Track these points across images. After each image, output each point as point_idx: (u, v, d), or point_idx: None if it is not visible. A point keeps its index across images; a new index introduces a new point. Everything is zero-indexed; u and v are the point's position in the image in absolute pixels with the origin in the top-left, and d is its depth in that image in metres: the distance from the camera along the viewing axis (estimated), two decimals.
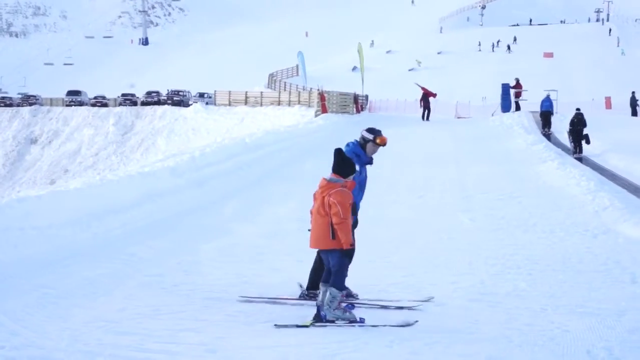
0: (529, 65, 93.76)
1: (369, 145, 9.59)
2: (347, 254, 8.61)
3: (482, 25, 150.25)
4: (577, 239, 14.03)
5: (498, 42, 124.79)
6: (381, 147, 9.64)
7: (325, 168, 24.96)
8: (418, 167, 24.68)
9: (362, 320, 8.55)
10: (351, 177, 8.86)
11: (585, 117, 31.05)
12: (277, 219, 16.23)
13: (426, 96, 48.01)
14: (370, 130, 9.71)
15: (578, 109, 31.73)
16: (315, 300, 8.87)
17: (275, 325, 8.41)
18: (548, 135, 37.48)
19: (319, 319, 8.49)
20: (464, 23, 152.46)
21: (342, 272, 8.59)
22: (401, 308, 9.10)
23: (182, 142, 55.00)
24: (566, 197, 18.58)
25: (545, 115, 39.49)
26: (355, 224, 9.09)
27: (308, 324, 8.44)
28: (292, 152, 28.24)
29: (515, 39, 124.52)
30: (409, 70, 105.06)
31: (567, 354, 7.63)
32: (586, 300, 9.83)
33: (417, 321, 8.63)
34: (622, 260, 12.27)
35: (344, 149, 9.26)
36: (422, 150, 29.80)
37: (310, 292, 9.56)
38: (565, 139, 32.90)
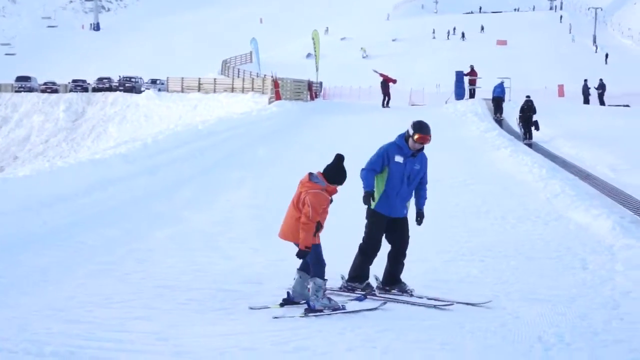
0: (483, 53, 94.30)
1: (411, 141, 9.53)
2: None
3: (436, 12, 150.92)
4: (529, 225, 14.14)
5: (454, 29, 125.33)
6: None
7: (278, 155, 25.08)
8: (371, 153, 24.67)
9: (343, 307, 8.64)
10: (337, 185, 8.78)
11: (538, 104, 31.49)
12: (230, 207, 16.14)
13: (385, 82, 47.97)
14: (414, 126, 9.60)
15: (528, 96, 32.25)
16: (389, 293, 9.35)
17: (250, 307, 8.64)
18: (500, 121, 38.07)
19: (309, 309, 8.51)
20: (418, 10, 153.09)
21: (320, 263, 8.64)
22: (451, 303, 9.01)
23: (134, 129, 54.47)
24: (518, 184, 18.73)
25: (497, 101, 40.36)
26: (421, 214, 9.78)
27: (277, 306, 8.67)
28: (245, 139, 28.09)
29: (482, 28, 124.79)
30: (363, 57, 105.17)
31: (519, 340, 7.67)
32: (537, 287, 9.90)
33: (385, 302, 8.86)
34: (573, 246, 12.39)
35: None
36: (377, 138, 29.71)
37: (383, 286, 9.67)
38: (515, 124, 33.29)
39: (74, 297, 8.83)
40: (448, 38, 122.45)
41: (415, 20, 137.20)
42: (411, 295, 9.32)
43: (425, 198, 9.87)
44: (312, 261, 8.62)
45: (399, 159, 9.46)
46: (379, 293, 9.45)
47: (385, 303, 8.91)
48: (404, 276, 9.68)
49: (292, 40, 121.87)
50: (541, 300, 9.18)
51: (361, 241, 9.70)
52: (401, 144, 9.57)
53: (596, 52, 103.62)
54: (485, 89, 46.82)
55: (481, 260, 11.35)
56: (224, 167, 21.84)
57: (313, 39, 57.28)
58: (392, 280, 9.59)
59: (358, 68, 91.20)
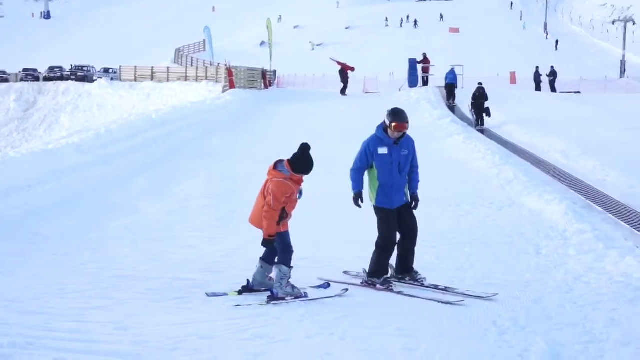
0: (436, 41, 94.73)
1: (389, 130, 9.32)
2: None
3: (389, 0, 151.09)
4: (483, 212, 14.28)
5: (408, 17, 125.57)
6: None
7: (232, 144, 25.02)
8: (326, 142, 24.69)
9: (305, 295, 8.68)
10: (301, 175, 8.75)
11: (490, 91, 31.94)
12: (185, 196, 16.10)
13: (344, 70, 48.06)
14: (390, 114, 9.37)
15: (480, 84, 32.82)
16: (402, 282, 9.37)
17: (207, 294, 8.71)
18: (452, 107, 38.60)
19: (272, 297, 8.55)
20: None
21: (287, 250, 8.69)
22: (467, 296, 8.84)
23: (87, 119, 53.92)
24: (472, 171, 18.91)
25: (450, 88, 41.26)
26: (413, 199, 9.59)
27: (235, 294, 8.73)
28: (199, 128, 28.01)
29: (442, 17, 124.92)
30: (317, 45, 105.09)
31: (474, 325, 7.77)
32: (492, 272, 10.02)
33: (347, 289, 8.95)
34: (526, 232, 12.56)
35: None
36: (330, 126, 29.82)
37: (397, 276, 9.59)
38: (467, 110, 33.65)
39: (29, 288, 8.76)
40: (401, 26, 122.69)
41: (368, 9, 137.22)
42: (422, 285, 9.26)
43: (418, 181, 9.67)
44: (279, 248, 8.67)
45: (382, 150, 9.32)
46: (395, 281, 9.45)
47: (347, 290, 8.95)
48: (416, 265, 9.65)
49: (246, 28, 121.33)
50: (496, 285, 9.29)
51: (377, 238, 9.56)
52: (381, 134, 9.40)
53: (547, 39, 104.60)
54: (438, 77, 47.10)
55: (435, 247, 11.42)
56: (179, 157, 21.77)
57: (267, 27, 57.15)
58: (405, 269, 9.50)
59: (312, 56, 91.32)
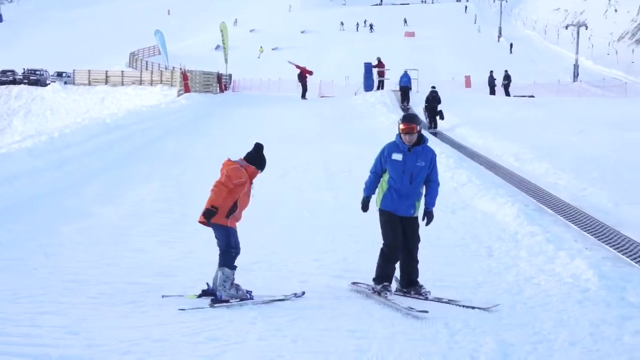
0: (391, 45, 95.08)
1: (402, 134, 9.22)
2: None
3: (344, 4, 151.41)
4: (436, 214, 14.26)
5: (365, 21, 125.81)
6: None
7: (187, 148, 24.92)
8: (281, 145, 24.71)
9: (251, 297, 8.70)
10: (257, 171, 8.94)
11: (445, 95, 32.33)
12: (139, 200, 16.04)
13: (302, 74, 48.20)
14: (401, 118, 9.41)
15: (433, 87, 33.38)
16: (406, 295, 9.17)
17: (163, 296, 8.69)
18: (407, 110, 38.90)
19: (216, 300, 8.58)
20: (326, 2, 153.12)
21: (229, 251, 8.69)
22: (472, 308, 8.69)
23: (40, 123, 53.44)
24: None
25: (404, 91, 41.88)
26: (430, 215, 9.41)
27: (194, 296, 8.72)
28: (154, 132, 27.89)
29: (405, 21, 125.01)
30: (273, 49, 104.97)
31: (426, 326, 7.88)
32: (445, 275, 10.15)
33: (303, 292, 8.95)
34: (479, 234, 12.72)
35: None
36: (286, 129, 29.88)
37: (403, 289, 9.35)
38: (421, 113, 33.95)
39: None
40: (357, 30, 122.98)
41: (324, 12, 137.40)
42: (426, 299, 9.02)
43: (435, 197, 9.39)
44: (222, 249, 8.68)
45: (396, 156, 9.14)
46: (396, 294, 9.22)
47: (303, 294, 8.95)
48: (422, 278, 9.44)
49: (201, 32, 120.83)
50: (448, 287, 9.42)
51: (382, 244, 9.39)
52: (397, 141, 9.25)
53: (498, 41, 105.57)
54: (394, 81, 47.35)
55: None
56: (133, 161, 21.66)
57: (221, 30, 57.04)
58: (408, 282, 9.29)
59: (268, 60, 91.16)
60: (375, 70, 50.18)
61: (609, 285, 9.40)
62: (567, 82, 62.77)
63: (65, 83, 62.46)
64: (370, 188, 9.42)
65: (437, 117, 31.87)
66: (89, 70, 60.82)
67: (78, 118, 43.11)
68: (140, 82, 56.62)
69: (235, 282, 8.75)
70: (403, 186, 9.12)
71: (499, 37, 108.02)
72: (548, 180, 18.55)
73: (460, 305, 8.71)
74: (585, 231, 13.02)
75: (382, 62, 50.39)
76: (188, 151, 23.69)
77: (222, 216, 8.61)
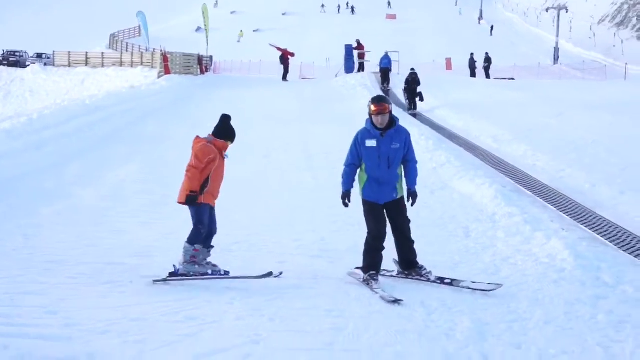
0: (373, 27, 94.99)
1: (373, 117, 8.87)
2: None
3: None
4: None
5: (347, 3, 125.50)
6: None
7: (167, 130, 24.87)
8: (262, 127, 24.77)
9: (226, 273, 8.80)
10: (226, 143, 8.97)
11: (426, 78, 32.49)
12: (119, 182, 16.06)
13: (284, 56, 48.20)
14: (370, 101, 9.01)
15: (412, 69, 33.63)
16: (409, 278, 9.11)
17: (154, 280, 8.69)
18: (387, 91, 39.21)
19: (173, 274, 8.71)
20: None
21: (197, 227, 8.77)
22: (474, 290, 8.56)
23: (20, 105, 53.07)
24: None
25: (384, 72, 42.33)
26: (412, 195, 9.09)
27: (163, 278, 8.73)
28: (134, 114, 27.85)
29: (389, 4, 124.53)
30: (254, 31, 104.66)
31: (402, 306, 7.94)
32: (423, 254, 10.15)
33: (281, 273, 8.96)
34: (457, 215, 12.82)
35: None
36: (266, 111, 29.90)
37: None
38: (401, 95, 34.13)
39: None
40: (339, 12, 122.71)
41: None
42: (428, 280, 8.91)
43: (415, 176, 9.07)
44: (193, 223, 8.79)
45: (370, 142, 8.81)
46: (398, 276, 9.19)
47: (280, 274, 8.98)
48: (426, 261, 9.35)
49: (182, 14, 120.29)
50: (426, 266, 9.48)
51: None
52: (368, 126, 8.90)
53: (479, 23, 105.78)
54: (374, 63, 47.39)
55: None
56: (113, 143, 21.63)
57: (203, 12, 56.86)
58: (408, 264, 9.10)
59: (249, 42, 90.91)
60: (355, 53, 50.26)
61: (585, 265, 9.50)
62: (548, 65, 63.09)
63: (45, 64, 62.05)
64: (348, 181, 9.12)
65: (417, 99, 32.05)
66: (69, 52, 60.43)
67: (58, 99, 42.85)
68: (121, 64, 56.35)
69: (212, 261, 8.85)
70: (381, 172, 8.83)
71: (479, 19, 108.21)
72: (527, 162, 18.71)
73: (463, 287, 8.63)
74: (562, 212, 13.17)
75: (361, 44, 50.53)
76: (168, 133, 23.67)
77: (201, 196, 8.72)
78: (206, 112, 29.13)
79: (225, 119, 9.10)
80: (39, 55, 69.63)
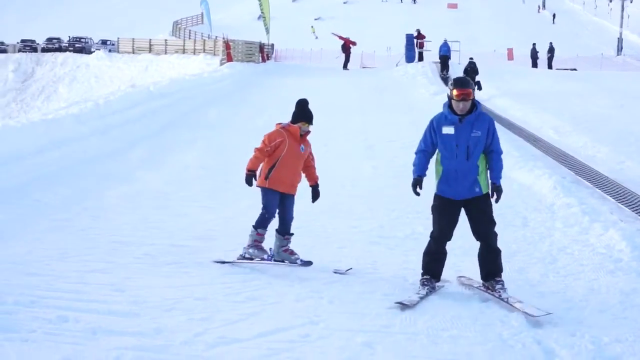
0: (434, 16, 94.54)
1: (453, 102, 7.91)
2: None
3: None
4: None
5: None
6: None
7: (229, 116, 25.17)
8: (322, 115, 24.74)
9: (269, 258, 8.93)
10: (302, 124, 9.02)
11: (487, 67, 32.55)
12: (182, 167, 16.38)
13: (346, 45, 48.44)
14: (452, 83, 8.05)
15: (471, 58, 34.06)
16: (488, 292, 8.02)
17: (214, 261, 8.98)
18: (446, 78, 39.43)
19: (240, 257, 8.96)
20: None
21: (262, 213, 8.94)
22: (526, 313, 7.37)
23: (85, 90, 54.00)
24: None
25: (443, 60, 42.92)
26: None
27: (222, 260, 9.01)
28: (197, 101, 28.22)
29: None
30: (315, 19, 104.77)
31: (460, 295, 8.08)
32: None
33: (350, 268, 8.92)
34: (515, 205, 12.84)
35: None
36: (327, 99, 30.01)
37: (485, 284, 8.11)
38: None
39: (31, 252, 9.02)
40: (400, 1, 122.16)
41: None
42: (499, 297, 7.80)
43: (500, 169, 8.15)
44: (262, 208, 8.98)
45: (447, 129, 7.86)
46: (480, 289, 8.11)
47: (349, 270, 8.92)
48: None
49: (243, 1, 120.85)
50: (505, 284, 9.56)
51: None
52: (445, 111, 7.95)
53: (539, 12, 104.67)
54: (434, 52, 47.30)
55: (427, 218, 11.54)
56: (176, 128, 22.01)
57: (260, 2, 57.15)
58: (485, 275, 8.05)
59: (310, 30, 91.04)
60: (416, 42, 50.31)
61: None
62: (611, 56, 62.23)
63: (110, 51, 63.03)
64: (419, 168, 8.17)
65: (475, 88, 32.05)
66: (133, 39, 61.29)
67: (122, 86, 43.58)
68: (184, 51, 56.99)
69: (290, 247, 9.05)
70: (459, 164, 7.83)
71: (539, 7, 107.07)
72: (587, 153, 18.63)
73: (515, 306, 7.54)
74: (621, 203, 13.12)
75: (421, 34, 50.52)
76: (230, 119, 23.99)
77: (261, 178, 8.91)
78: (267, 99, 29.48)
79: (299, 103, 9.18)
80: (104, 42, 70.69)
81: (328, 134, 20.96)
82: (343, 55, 48.68)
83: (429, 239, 8.21)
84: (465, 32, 74.21)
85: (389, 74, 42.77)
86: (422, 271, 8.18)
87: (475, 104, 7.97)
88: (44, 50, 67.80)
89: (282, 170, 8.88)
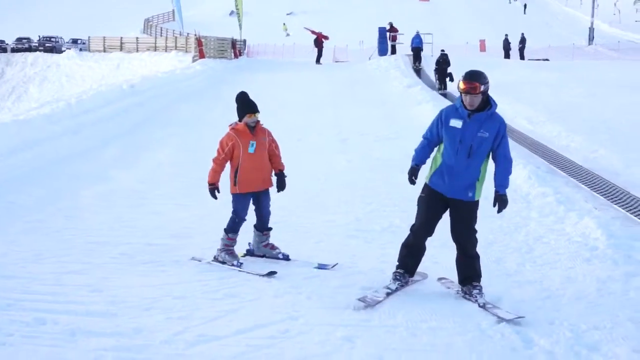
0: (406, 10, 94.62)
1: (462, 95, 7.49)
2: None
3: None
4: None
5: None
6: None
7: (202, 113, 25.04)
8: (296, 110, 24.94)
9: (238, 264, 8.78)
10: (248, 117, 8.79)
11: (459, 59, 32.81)
12: (155, 164, 16.33)
13: (318, 40, 48.46)
14: (463, 76, 7.56)
15: (443, 50, 34.60)
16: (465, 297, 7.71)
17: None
18: (418, 70, 39.96)
19: (214, 259, 8.90)
20: None
21: (232, 217, 8.89)
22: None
23: (56, 90, 53.62)
24: None
25: (416, 52, 43.57)
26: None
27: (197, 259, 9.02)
28: (169, 98, 28.08)
29: None
30: (287, 14, 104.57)
31: (436, 282, 8.10)
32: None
33: (336, 264, 8.89)
34: (490, 195, 12.49)
35: None
36: (300, 94, 30.04)
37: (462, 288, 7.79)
38: (432, 75, 34.55)
39: (6, 254, 8.97)
40: None
41: None
42: (476, 302, 7.46)
43: (506, 177, 7.73)
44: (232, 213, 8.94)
45: (455, 122, 7.44)
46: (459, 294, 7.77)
47: (334, 265, 8.87)
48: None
49: None
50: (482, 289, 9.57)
51: None
52: (458, 104, 7.51)
53: (510, 3, 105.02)
54: (407, 45, 47.38)
55: (404, 210, 11.57)
56: (149, 126, 21.91)
57: None
58: (462, 279, 7.77)
59: (282, 28, 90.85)
60: (388, 35, 50.36)
61: (617, 243, 9.56)
62: (582, 46, 62.56)
63: (81, 50, 62.57)
64: (420, 156, 7.81)
65: (447, 79, 32.39)
66: (104, 37, 60.92)
67: (94, 85, 43.31)
68: (155, 49, 56.70)
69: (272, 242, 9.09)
70: (458, 161, 7.44)
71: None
72: (560, 142, 18.73)
73: (491, 312, 7.23)
74: (595, 192, 13.21)
75: (394, 27, 50.60)
76: (203, 116, 23.90)
77: (231, 185, 8.86)
78: None
79: (237, 98, 8.98)
80: (74, 41, 70.09)
81: (301, 128, 20.99)
82: (316, 50, 48.71)
83: (409, 232, 7.90)
84: (437, 25, 74.31)
85: (362, 67, 42.76)
86: (397, 263, 7.93)
87: (490, 103, 7.53)
88: (13, 50, 67.26)
89: (246, 170, 8.74)
